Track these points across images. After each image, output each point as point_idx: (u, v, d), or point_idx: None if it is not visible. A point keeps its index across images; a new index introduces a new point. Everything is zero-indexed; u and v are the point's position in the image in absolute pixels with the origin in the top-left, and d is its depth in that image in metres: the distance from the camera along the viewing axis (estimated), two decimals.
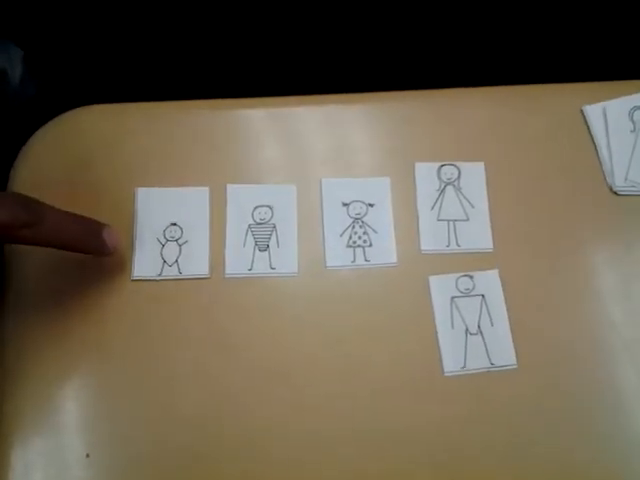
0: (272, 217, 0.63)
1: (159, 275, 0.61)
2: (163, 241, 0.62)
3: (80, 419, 0.57)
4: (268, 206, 0.64)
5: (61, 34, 1.27)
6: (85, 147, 0.65)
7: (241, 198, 0.64)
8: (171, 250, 0.62)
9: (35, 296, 0.61)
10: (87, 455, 0.56)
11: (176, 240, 0.62)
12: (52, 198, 0.62)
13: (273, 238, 0.63)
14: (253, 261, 0.62)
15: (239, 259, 0.62)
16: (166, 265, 0.61)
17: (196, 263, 0.61)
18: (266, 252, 0.62)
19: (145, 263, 0.61)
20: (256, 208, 0.64)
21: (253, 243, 0.62)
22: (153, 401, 0.58)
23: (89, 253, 0.56)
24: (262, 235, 0.63)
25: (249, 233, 0.63)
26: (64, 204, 0.62)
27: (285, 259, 0.62)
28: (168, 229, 0.62)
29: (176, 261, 0.61)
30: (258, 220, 0.63)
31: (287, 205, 0.64)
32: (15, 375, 0.58)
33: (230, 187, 0.64)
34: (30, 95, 1.07)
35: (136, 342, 0.59)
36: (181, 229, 0.62)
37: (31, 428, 0.57)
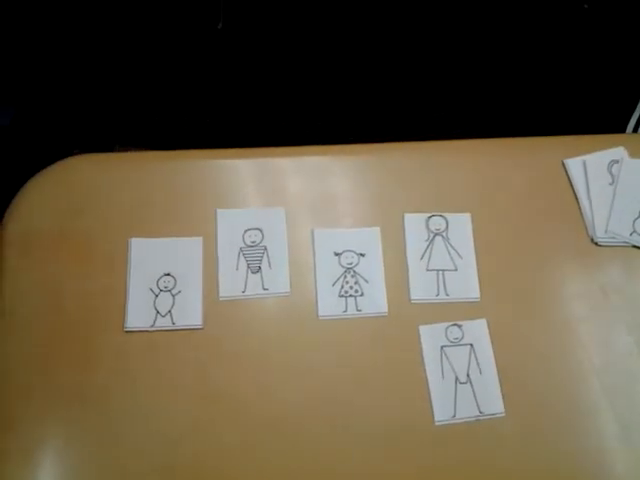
0: (263, 239, 0.65)
1: (152, 326, 0.61)
2: (157, 291, 0.62)
3: (68, 468, 0.57)
4: (258, 229, 0.65)
5: (52, 76, 1.26)
6: (77, 197, 0.65)
7: (231, 222, 0.65)
8: (164, 300, 0.62)
9: (26, 345, 0.60)
10: None
11: (169, 290, 0.62)
12: (44, 249, 0.63)
13: (265, 260, 0.64)
14: (246, 283, 0.63)
15: (232, 282, 0.63)
16: (159, 316, 0.61)
17: (189, 314, 0.62)
18: (258, 274, 0.64)
19: (138, 314, 0.61)
20: (246, 231, 0.65)
21: (245, 266, 0.64)
22: (146, 453, 0.58)
23: None
24: (254, 257, 0.64)
25: (241, 256, 0.64)
26: (57, 255, 0.62)
27: (277, 279, 0.63)
28: (162, 279, 0.63)
29: (169, 312, 0.62)
30: (249, 243, 0.65)
31: (276, 227, 0.65)
32: (3, 423, 0.58)
33: (220, 211, 0.65)
34: (4, 125, 1.07)
35: (128, 394, 0.59)
36: (174, 279, 0.63)
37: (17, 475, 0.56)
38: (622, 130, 1.04)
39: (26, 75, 1.22)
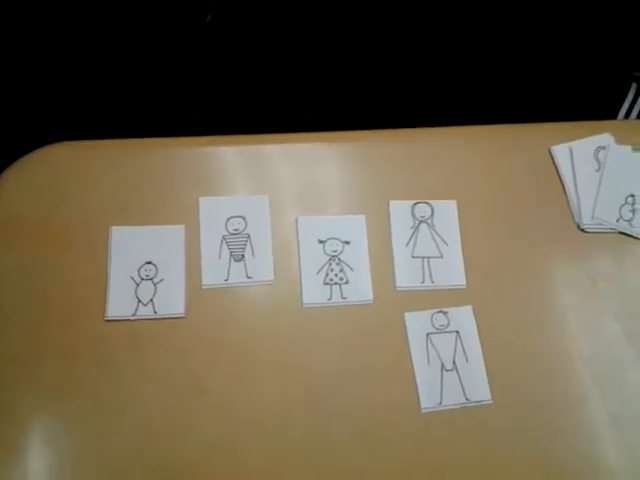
0: (246, 227, 0.64)
1: (133, 315, 0.60)
2: (138, 280, 0.61)
3: (52, 460, 0.56)
4: (241, 216, 0.64)
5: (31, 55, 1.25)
6: (58, 184, 0.64)
7: (214, 210, 0.64)
8: (146, 289, 0.61)
9: (6, 334, 0.59)
10: None
11: (151, 279, 0.62)
12: (24, 237, 0.62)
13: (248, 248, 0.63)
14: (229, 271, 0.62)
15: (215, 270, 0.62)
16: (141, 304, 0.61)
17: (171, 302, 0.61)
18: (241, 262, 0.63)
19: (119, 302, 0.60)
20: (229, 219, 0.64)
21: (228, 254, 0.63)
22: (129, 442, 0.57)
23: None
24: (237, 245, 0.63)
25: (224, 244, 0.63)
26: (37, 244, 0.61)
27: (261, 267, 0.63)
28: (143, 268, 0.62)
29: (151, 300, 0.61)
30: (232, 231, 0.64)
31: (260, 215, 0.65)
32: None
33: (202, 199, 0.64)
34: None
35: (110, 383, 0.58)
36: (156, 267, 0.62)
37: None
38: (613, 117, 1.04)
39: (15, 68, 1.21)
